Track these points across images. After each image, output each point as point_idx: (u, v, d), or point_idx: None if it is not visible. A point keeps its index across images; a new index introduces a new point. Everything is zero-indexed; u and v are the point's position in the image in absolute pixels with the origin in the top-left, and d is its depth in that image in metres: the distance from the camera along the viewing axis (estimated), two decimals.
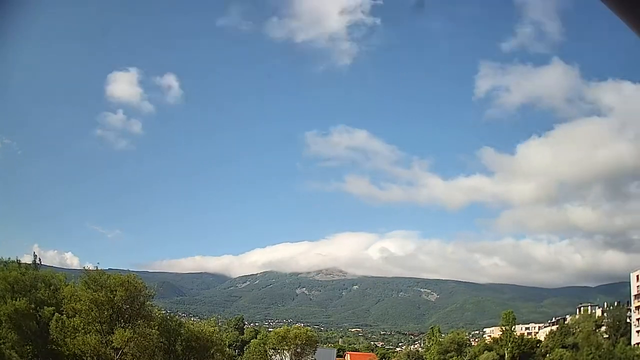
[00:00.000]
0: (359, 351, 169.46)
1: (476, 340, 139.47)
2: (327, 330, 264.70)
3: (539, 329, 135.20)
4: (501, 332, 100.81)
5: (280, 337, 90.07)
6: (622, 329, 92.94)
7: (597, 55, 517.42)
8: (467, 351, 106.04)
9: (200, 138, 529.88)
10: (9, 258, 66.41)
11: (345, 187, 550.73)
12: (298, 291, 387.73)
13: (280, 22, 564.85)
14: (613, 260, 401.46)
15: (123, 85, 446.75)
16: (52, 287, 59.23)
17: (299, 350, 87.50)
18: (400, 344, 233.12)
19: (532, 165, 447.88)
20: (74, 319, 52.21)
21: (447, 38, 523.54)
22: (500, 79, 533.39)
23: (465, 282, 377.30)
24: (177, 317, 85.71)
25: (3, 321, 51.46)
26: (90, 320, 52.42)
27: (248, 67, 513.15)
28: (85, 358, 51.74)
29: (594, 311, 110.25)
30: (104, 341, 51.88)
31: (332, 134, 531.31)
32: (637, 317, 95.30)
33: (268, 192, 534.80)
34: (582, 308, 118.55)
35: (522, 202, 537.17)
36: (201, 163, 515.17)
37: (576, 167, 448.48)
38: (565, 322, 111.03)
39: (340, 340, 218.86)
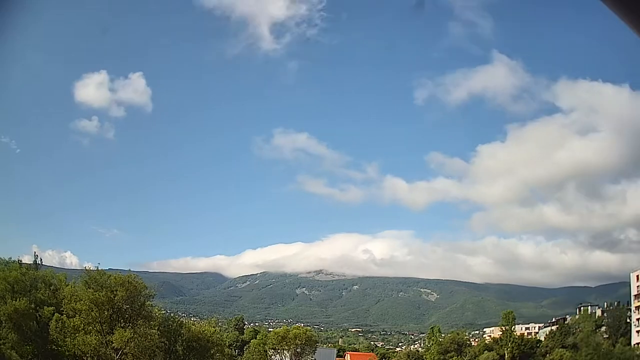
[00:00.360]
0: (359, 351, 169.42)
1: (476, 340, 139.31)
2: (327, 330, 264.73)
3: (539, 329, 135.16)
4: (501, 332, 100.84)
5: (280, 337, 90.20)
6: (622, 329, 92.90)
7: (539, 52, 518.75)
8: (467, 351, 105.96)
9: (197, 137, 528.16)
10: (10, 258, 66.64)
11: (318, 190, 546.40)
12: (298, 291, 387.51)
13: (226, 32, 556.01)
14: (606, 260, 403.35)
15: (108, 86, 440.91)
16: (52, 287, 59.33)
17: (298, 350, 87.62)
18: (400, 344, 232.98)
19: (495, 167, 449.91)
20: (74, 319, 52.24)
21: (385, 43, 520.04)
22: (440, 82, 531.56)
23: (465, 282, 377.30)
24: (177, 317, 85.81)
25: (3, 321, 51.50)
26: (90, 321, 52.45)
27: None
28: (85, 358, 51.77)
29: (594, 311, 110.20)
30: (104, 341, 51.90)
31: (277, 137, 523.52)
32: (637, 317, 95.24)
33: (256, 195, 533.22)
34: (582, 308, 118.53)
35: (494, 204, 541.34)
36: (195, 164, 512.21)
37: (543, 167, 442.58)
38: (565, 322, 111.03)
39: (340, 340, 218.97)
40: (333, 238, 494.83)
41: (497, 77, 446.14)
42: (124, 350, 51.83)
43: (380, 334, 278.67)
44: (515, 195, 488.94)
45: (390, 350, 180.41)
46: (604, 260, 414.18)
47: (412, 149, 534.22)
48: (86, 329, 52.14)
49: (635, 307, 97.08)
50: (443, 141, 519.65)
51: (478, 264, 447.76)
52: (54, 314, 53.06)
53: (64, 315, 53.09)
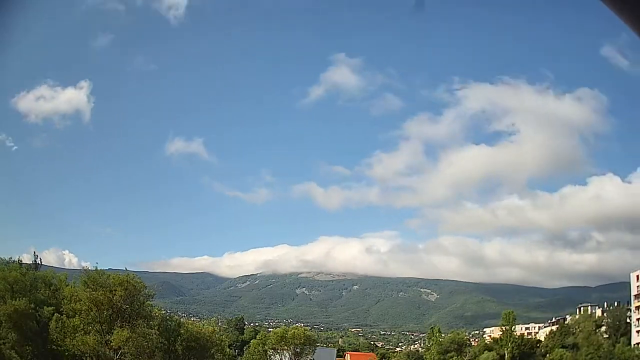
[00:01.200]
0: (359, 351, 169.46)
1: (476, 340, 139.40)
2: (327, 330, 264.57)
3: (539, 329, 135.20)
4: (501, 332, 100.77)
5: (279, 337, 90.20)
6: (622, 329, 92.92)
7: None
8: (467, 351, 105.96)
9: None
10: (10, 258, 66.62)
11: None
12: (298, 291, 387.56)
13: None
14: (574, 260, 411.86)
15: None
16: (52, 287, 59.33)
17: (298, 350, 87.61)
18: (400, 344, 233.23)
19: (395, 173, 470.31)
20: (74, 319, 52.22)
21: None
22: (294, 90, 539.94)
23: (465, 282, 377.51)
24: (176, 317, 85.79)
25: (3, 321, 51.44)
26: (90, 321, 52.43)
27: None
28: (84, 358, 51.77)
29: (594, 311, 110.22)
30: (103, 341, 51.88)
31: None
32: (637, 317, 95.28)
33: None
34: (582, 308, 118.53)
35: (423, 207, 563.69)
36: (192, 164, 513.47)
37: (456, 170, 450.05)
38: (565, 322, 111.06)
39: (340, 340, 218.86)
40: (319, 241, 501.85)
41: (349, 78, 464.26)
42: (123, 350, 51.82)
43: (380, 334, 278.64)
44: (444, 199, 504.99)
45: (390, 350, 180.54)
46: (580, 261, 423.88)
47: (297, 156, 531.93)
48: (85, 329, 52.13)
49: (635, 307, 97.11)
50: (326, 148, 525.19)
51: (444, 263, 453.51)
52: (53, 314, 53.05)
53: (64, 315, 53.09)
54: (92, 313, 52.02)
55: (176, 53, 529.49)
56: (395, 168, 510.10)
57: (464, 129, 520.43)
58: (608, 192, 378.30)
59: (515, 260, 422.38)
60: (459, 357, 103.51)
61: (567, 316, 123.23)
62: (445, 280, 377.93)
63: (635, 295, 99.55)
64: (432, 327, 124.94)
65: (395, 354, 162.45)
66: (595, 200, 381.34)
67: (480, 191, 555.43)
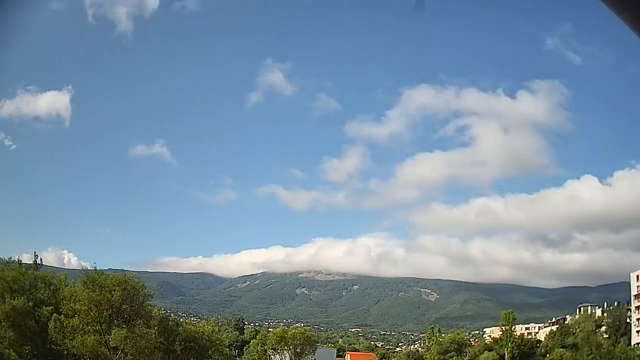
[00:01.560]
0: (359, 351, 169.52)
1: (476, 340, 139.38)
2: (327, 330, 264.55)
3: (539, 329, 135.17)
4: (501, 332, 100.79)
5: (279, 337, 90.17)
6: (622, 329, 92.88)
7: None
8: (467, 351, 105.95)
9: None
10: (10, 258, 66.63)
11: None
12: (298, 291, 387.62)
13: None
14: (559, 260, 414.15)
15: None
16: (51, 287, 59.21)
17: (298, 350, 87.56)
18: (400, 344, 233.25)
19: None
20: (73, 319, 52.13)
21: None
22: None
23: (465, 282, 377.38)
24: (176, 317, 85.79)
25: (2, 320, 51.30)
26: (89, 321, 52.32)
27: None
28: (84, 358, 51.70)
29: (594, 311, 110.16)
30: (102, 341, 51.81)
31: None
32: (637, 317, 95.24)
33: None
34: (582, 308, 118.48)
35: (391, 208, 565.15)
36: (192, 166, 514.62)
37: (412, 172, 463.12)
38: (565, 322, 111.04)
39: (340, 340, 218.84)
40: (313, 242, 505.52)
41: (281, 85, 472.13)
42: (123, 350, 51.76)
43: (380, 334, 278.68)
44: (413, 199, 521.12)
45: (390, 350, 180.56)
46: (568, 260, 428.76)
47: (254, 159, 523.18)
48: (85, 329, 52.04)
49: (635, 307, 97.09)
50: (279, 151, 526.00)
51: (440, 263, 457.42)
52: (52, 313, 52.95)
53: (63, 315, 53.02)
54: (91, 313, 51.90)
55: (130, 66, 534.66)
56: (354, 171, 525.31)
57: (412, 130, 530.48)
58: (586, 193, 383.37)
59: (505, 259, 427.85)
60: (459, 357, 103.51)
61: (567, 316, 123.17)
62: (445, 280, 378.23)
63: (635, 295, 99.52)
64: (432, 327, 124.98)
65: (395, 354, 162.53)
66: (572, 201, 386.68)
67: (451, 193, 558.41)
